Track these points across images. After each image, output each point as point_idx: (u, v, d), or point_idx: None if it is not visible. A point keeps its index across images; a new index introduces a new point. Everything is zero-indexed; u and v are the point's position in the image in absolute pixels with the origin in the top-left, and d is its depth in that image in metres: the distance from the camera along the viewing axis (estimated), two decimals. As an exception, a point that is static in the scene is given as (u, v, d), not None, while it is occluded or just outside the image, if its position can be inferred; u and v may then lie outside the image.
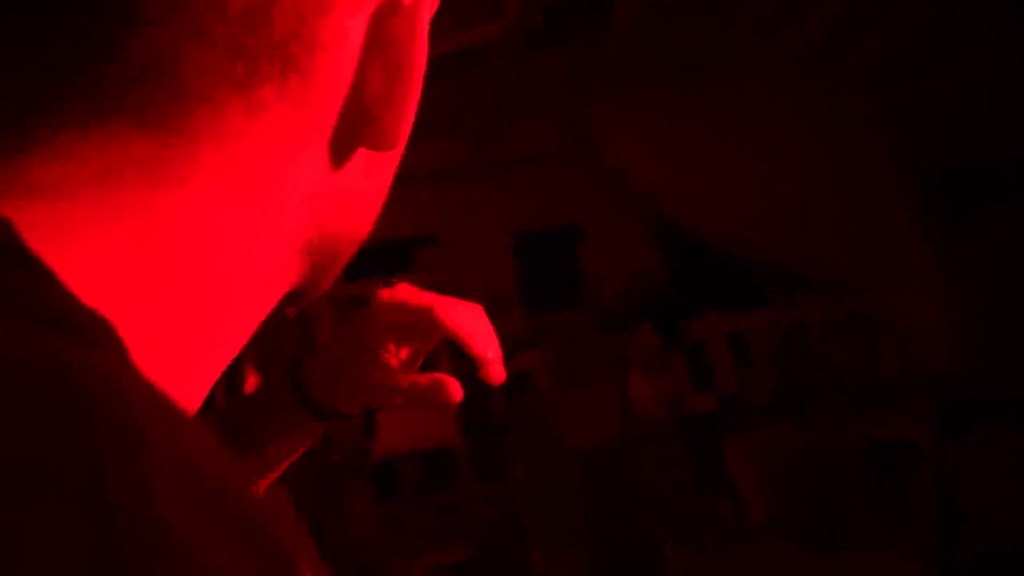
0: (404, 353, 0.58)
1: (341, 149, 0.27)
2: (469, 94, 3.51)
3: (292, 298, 0.33)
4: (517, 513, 3.05)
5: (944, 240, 3.65)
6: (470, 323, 0.58)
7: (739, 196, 3.62)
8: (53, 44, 0.23)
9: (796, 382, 3.48)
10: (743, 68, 3.73)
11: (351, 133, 0.27)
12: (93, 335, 0.19)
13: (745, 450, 3.03)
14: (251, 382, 2.28)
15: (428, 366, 0.63)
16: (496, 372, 0.59)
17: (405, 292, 0.57)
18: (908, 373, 3.58)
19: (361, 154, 0.28)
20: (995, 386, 2.46)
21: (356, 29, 0.26)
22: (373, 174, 0.30)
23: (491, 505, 3.21)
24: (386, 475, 3.40)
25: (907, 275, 3.64)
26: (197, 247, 0.25)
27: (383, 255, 1.78)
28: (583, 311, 3.75)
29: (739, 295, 4.08)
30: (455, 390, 0.58)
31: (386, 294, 0.56)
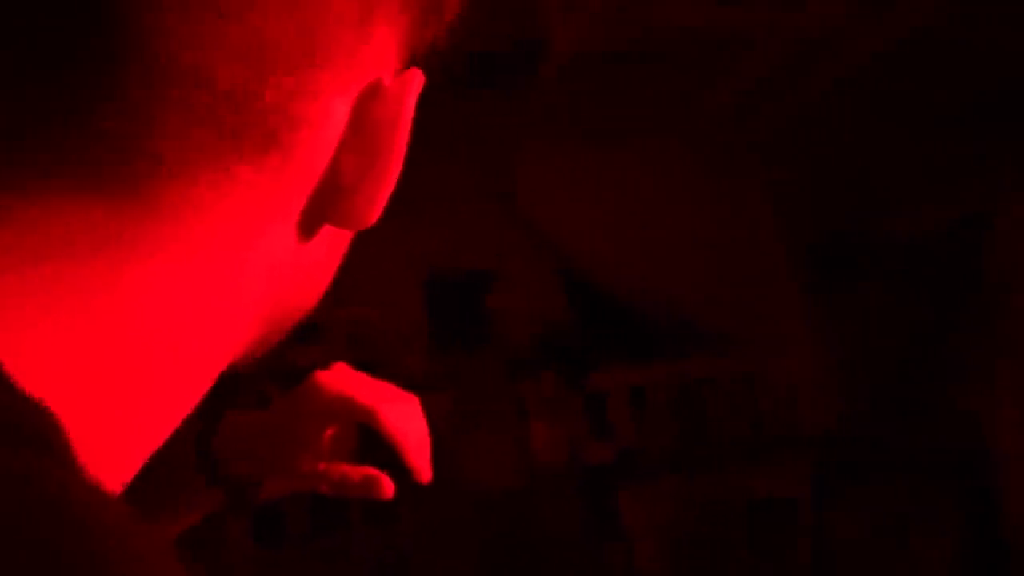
0: (329, 439, 0.58)
1: (309, 224, 0.27)
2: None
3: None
4: (407, 558, 2.94)
5: (821, 306, 3.96)
6: (407, 427, 0.61)
7: (641, 252, 3.78)
8: (21, 100, 0.21)
9: (689, 436, 3.60)
10: (655, 128, 3.94)
11: (321, 209, 0.27)
12: (39, 437, 0.18)
13: (638, 501, 3.08)
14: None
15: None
16: (425, 474, 0.63)
17: (344, 380, 0.58)
18: (790, 431, 3.80)
19: (326, 230, 0.28)
20: (867, 448, 2.64)
21: (341, 110, 0.26)
22: (333, 249, 0.30)
23: (380, 551, 3.08)
24: (269, 519, 3.19)
25: (790, 337, 3.90)
26: (157, 325, 0.24)
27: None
28: (489, 355, 3.74)
29: (640, 349, 4.21)
30: (387, 488, 0.60)
31: (325, 379, 0.57)
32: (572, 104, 3.43)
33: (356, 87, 0.26)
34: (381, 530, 3.12)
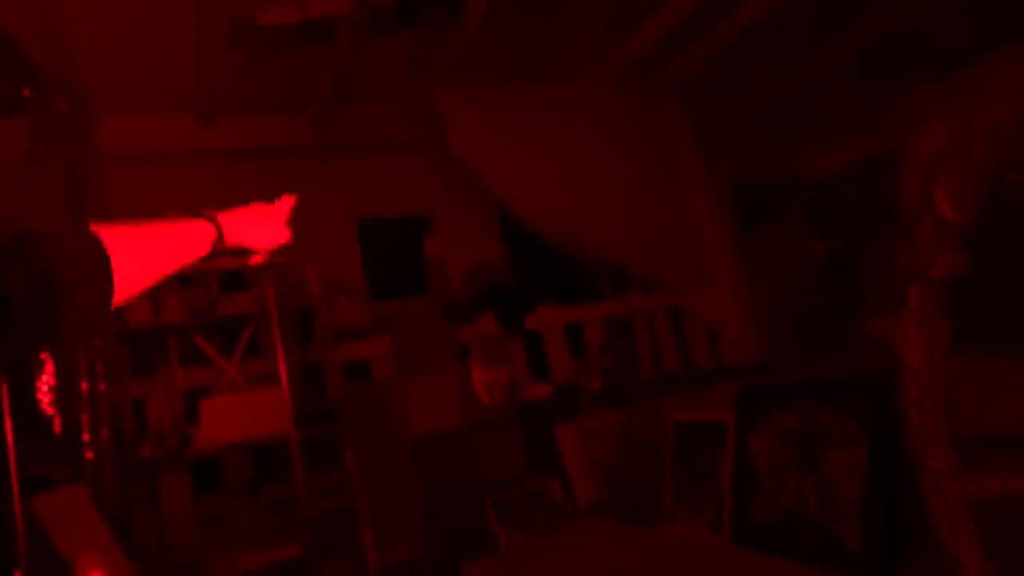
0: None
1: None
2: (314, 70, 3.35)
3: None
4: (352, 505, 2.98)
5: (743, 243, 4.13)
6: None
7: (570, 194, 3.82)
8: None
9: (622, 371, 3.73)
10: (581, 71, 3.93)
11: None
12: None
13: (575, 436, 3.19)
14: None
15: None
16: None
17: None
18: (718, 360, 4.00)
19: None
20: (783, 373, 2.80)
21: None
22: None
23: (325, 499, 3.10)
24: (209, 470, 3.16)
25: (715, 274, 4.06)
26: None
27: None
28: (426, 299, 3.74)
29: (574, 288, 4.31)
30: None
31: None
32: (498, 43, 3.37)
33: None
34: (327, 478, 3.14)
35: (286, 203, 0.84)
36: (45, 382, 2.03)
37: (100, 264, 0.57)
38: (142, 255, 0.63)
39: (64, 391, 2.08)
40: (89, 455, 2.13)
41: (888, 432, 1.83)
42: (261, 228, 0.80)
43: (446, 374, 3.07)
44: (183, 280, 2.91)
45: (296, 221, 0.85)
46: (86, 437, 2.13)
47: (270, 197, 3.48)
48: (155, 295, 2.87)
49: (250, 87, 3.50)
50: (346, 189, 4.02)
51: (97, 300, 0.57)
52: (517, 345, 3.55)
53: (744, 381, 2.53)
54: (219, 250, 0.74)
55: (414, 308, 3.72)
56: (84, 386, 2.15)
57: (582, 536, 2.80)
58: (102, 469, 2.14)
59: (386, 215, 4.23)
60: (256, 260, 0.81)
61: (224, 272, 3.09)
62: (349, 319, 3.48)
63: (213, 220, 0.74)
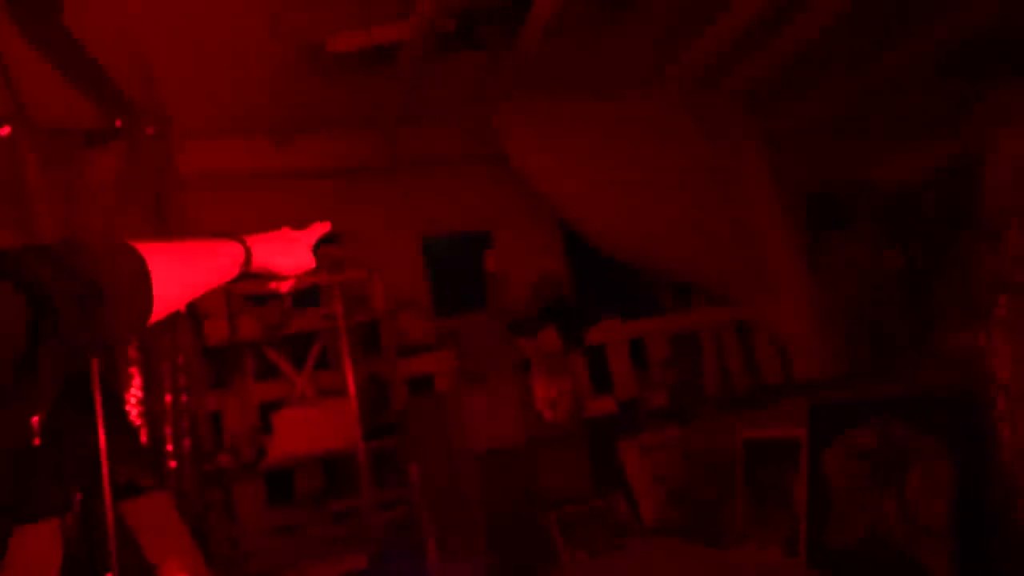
0: None
1: None
2: (379, 91, 3.46)
3: None
4: (416, 518, 3.01)
5: (815, 253, 3.98)
6: None
7: (632, 206, 3.78)
8: None
9: (687, 386, 3.66)
10: (642, 82, 3.91)
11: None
12: None
13: (639, 452, 3.14)
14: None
15: None
16: None
17: None
18: (787, 375, 3.86)
19: None
20: (857, 388, 2.69)
21: None
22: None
23: (389, 510, 3.15)
24: (280, 480, 3.27)
25: (784, 285, 3.93)
26: None
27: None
28: (488, 313, 3.77)
29: (636, 301, 4.26)
30: None
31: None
32: (557, 59, 3.39)
33: None
34: (391, 491, 3.19)
35: (316, 229, 0.84)
36: (133, 395, 2.16)
37: (140, 282, 0.59)
38: (182, 272, 0.64)
39: (150, 404, 2.20)
40: (172, 464, 2.24)
41: (974, 450, 1.72)
42: (288, 253, 0.80)
43: (508, 388, 3.08)
44: (258, 298, 3.04)
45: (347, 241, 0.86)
46: (169, 447, 2.24)
47: (338, 215, 3.57)
48: (232, 313, 3.00)
49: (320, 110, 3.64)
50: (411, 206, 4.11)
51: (137, 314, 0.59)
52: (579, 359, 3.53)
53: (815, 397, 2.44)
54: (245, 273, 0.74)
55: (476, 322, 3.76)
56: (168, 399, 2.27)
57: (648, 554, 2.74)
58: (183, 478, 2.25)
59: (449, 230, 4.30)
60: (278, 286, 0.81)
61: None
62: (413, 334, 3.54)
63: (243, 243, 0.75)
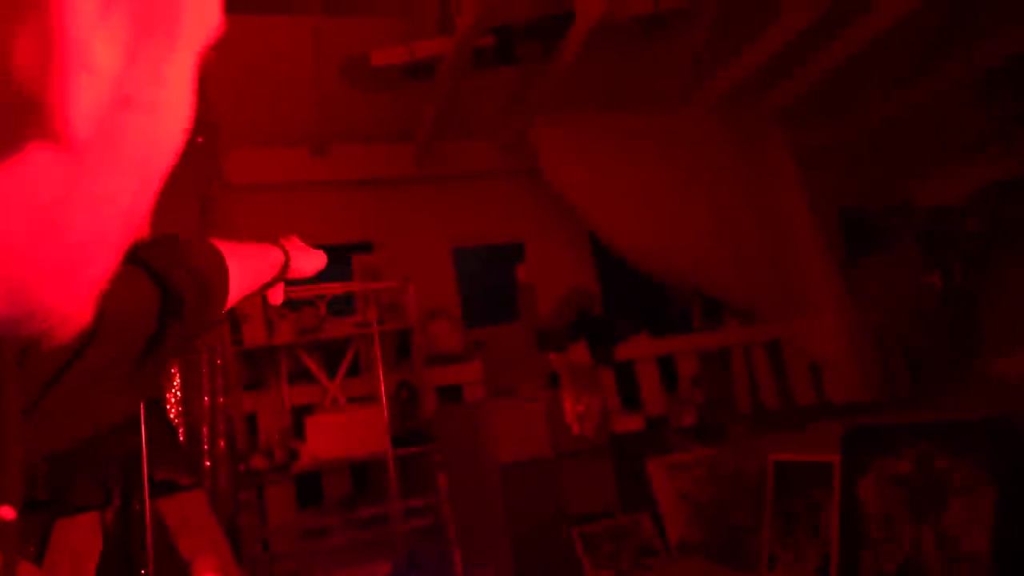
0: None
1: None
2: (415, 105, 3.52)
3: None
4: (442, 526, 3.02)
5: (850, 272, 3.91)
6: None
7: (664, 222, 3.78)
8: None
9: (717, 405, 3.62)
10: (677, 99, 3.91)
11: (4, 120, 0.20)
12: None
13: (667, 471, 3.11)
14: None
15: None
16: None
17: None
18: (820, 397, 3.79)
19: (43, 150, 0.21)
20: (893, 413, 2.63)
21: None
22: (79, 177, 0.23)
23: (417, 518, 3.16)
24: (310, 484, 3.31)
25: (818, 304, 3.87)
26: None
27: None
28: (518, 326, 3.79)
29: (665, 317, 4.23)
30: None
31: None
32: (594, 75, 3.41)
33: None
34: (419, 498, 3.21)
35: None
36: (173, 395, 2.22)
37: (224, 275, 0.62)
38: (241, 271, 0.66)
39: (188, 404, 2.25)
40: (207, 463, 2.29)
41: (1018, 479, 1.67)
42: (309, 256, 0.83)
43: (536, 401, 3.08)
44: (294, 303, 3.10)
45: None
46: (205, 447, 2.29)
47: (372, 224, 3.62)
48: (269, 317, 3.06)
49: (359, 121, 3.72)
50: (443, 217, 4.16)
51: (220, 308, 0.62)
52: (608, 375, 3.52)
53: (848, 420, 2.39)
54: (282, 278, 0.75)
55: (505, 334, 3.77)
56: (206, 400, 2.32)
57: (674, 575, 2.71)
58: (218, 477, 2.29)
59: (481, 242, 4.34)
60: (277, 299, 0.81)
61: (332, 296, 3.27)
62: (443, 343, 3.57)
63: (283, 247, 0.76)
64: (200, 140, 2.41)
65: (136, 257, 0.51)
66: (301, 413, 3.22)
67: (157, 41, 0.23)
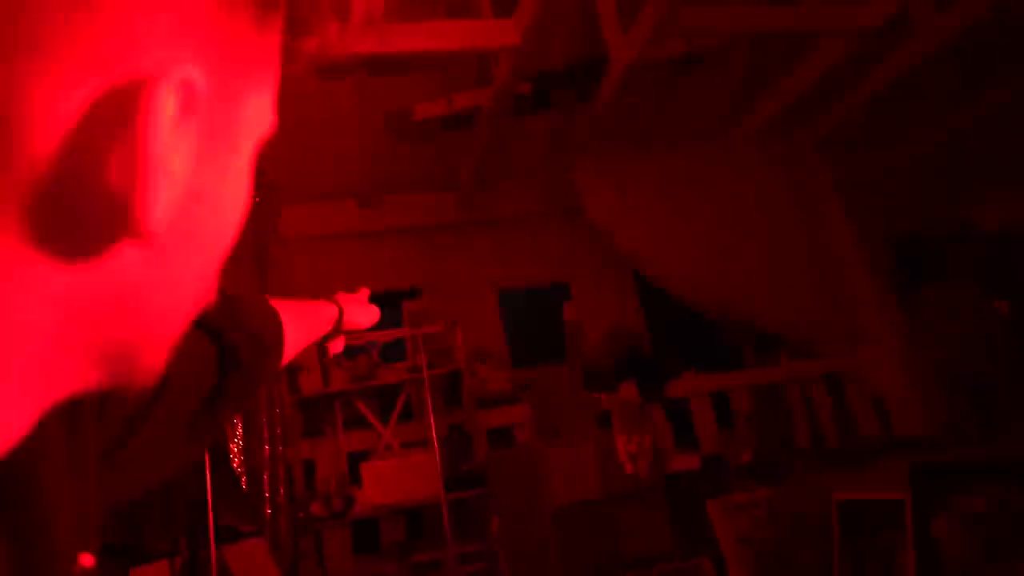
0: None
1: (89, 242, 0.24)
2: (456, 153, 3.63)
3: (98, 396, 0.35)
4: (497, 570, 3.00)
5: (909, 303, 3.78)
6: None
7: (710, 256, 3.74)
8: None
9: (774, 442, 3.51)
10: (716, 136, 3.92)
11: (98, 223, 0.23)
12: None
13: (725, 512, 3.02)
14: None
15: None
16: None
17: None
18: (883, 432, 3.64)
19: (129, 245, 0.24)
20: (960, 448, 2.51)
21: (79, 104, 0.22)
22: (158, 263, 0.26)
23: (471, 564, 3.15)
24: (366, 530, 3.34)
25: (879, 337, 3.75)
26: None
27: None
28: (566, 367, 3.78)
29: (716, 353, 4.15)
30: None
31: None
32: (633, 113, 3.46)
33: (98, 78, 0.22)
34: (472, 543, 3.19)
35: (364, 293, 0.89)
36: (235, 444, 2.29)
37: (279, 331, 0.66)
38: (296, 327, 0.70)
39: (249, 452, 2.32)
40: (268, 511, 2.35)
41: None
42: (362, 310, 0.85)
43: (586, 441, 3.06)
44: (348, 351, 3.18)
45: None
46: (267, 494, 2.35)
47: (418, 270, 3.69)
48: (324, 365, 3.15)
49: (402, 172, 3.85)
50: (487, 259, 4.23)
51: (277, 365, 0.66)
52: (659, 413, 3.47)
53: (914, 457, 2.29)
54: (336, 331, 0.79)
55: (553, 374, 3.77)
56: (266, 448, 2.39)
57: (738, 621, 2.61)
58: (278, 524, 2.35)
59: (525, 283, 4.38)
60: (337, 348, 0.85)
61: (383, 342, 3.34)
62: (492, 385, 3.59)
63: (336, 302, 0.79)
64: (258, 200, 2.54)
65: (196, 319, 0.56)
66: (357, 459, 3.27)
67: (222, 144, 0.27)
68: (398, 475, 3.11)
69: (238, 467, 2.28)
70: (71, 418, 0.36)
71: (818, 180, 4.09)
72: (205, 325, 0.56)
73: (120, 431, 0.44)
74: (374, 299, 0.86)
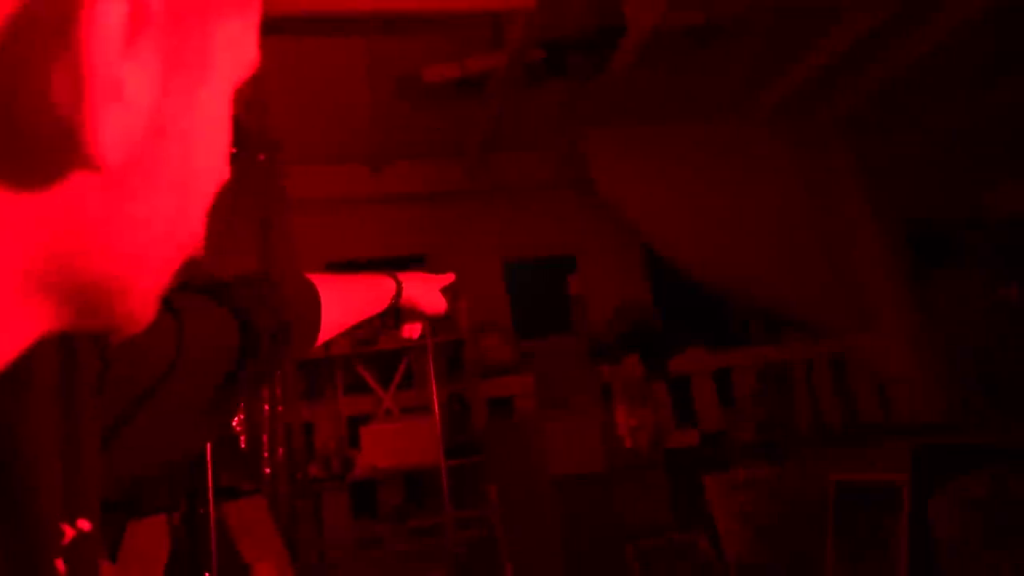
0: None
1: (40, 168, 0.22)
2: (466, 120, 3.57)
3: (70, 339, 0.34)
4: (494, 538, 3.02)
5: (918, 286, 3.75)
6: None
7: (720, 233, 3.70)
8: None
9: (777, 422, 3.51)
10: (731, 111, 3.84)
11: (47, 148, 0.22)
12: None
13: (724, 489, 3.03)
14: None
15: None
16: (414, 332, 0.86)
17: None
18: (886, 416, 3.63)
19: (86, 175, 0.23)
20: (966, 434, 2.50)
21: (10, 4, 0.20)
22: (123, 199, 0.24)
23: (468, 530, 3.18)
24: (365, 493, 3.37)
25: (884, 319, 3.72)
26: None
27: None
28: (570, 338, 3.77)
29: (722, 330, 4.13)
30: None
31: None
32: (646, 86, 3.39)
33: None
34: (470, 509, 3.22)
35: (445, 277, 0.88)
36: (236, 402, 2.29)
37: (315, 310, 0.65)
38: (341, 303, 0.70)
39: (249, 413, 2.33)
40: (266, 471, 2.36)
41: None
42: (430, 293, 0.83)
43: (588, 414, 3.06)
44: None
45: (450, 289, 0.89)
46: (265, 455, 2.36)
47: (424, 237, 3.66)
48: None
49: (412, 137, 3.79)
50: (494, 229, 4.19)
51: (308, 342, 0.65)
52: (662, 388, 3.46)
53: (916, 440, 2.28)
54: (395, 307, 0.78)
55: (557, 346, 3.76)
56: (265, 409, 2.40)
57: (731, 596, 2.63)
58: (277, 484, 2.36)
59: (532, 254, 4.35)
60: (411, 333, 0.84)
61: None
62: (494, 355, 3.59)
63: (395, 278, 0.78)
64: (261, 158, 2.51)
65: (221, 296, 0.55)
66: (356, 423, 3.28)
67: (189, 74, 0.25)
68: (397, 439, 3.12)
69: (236, 426, 2.29)
70: (65, 389, 0.36)
71: (834, 160, 4.02)
72: (235, 307, 0.55)
73: (125, 407, 0.44)
74: (377, 265, 0.85)
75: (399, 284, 0.77)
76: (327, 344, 3.14)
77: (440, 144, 3.94)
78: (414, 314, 0.82)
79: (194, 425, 0.53)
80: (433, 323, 0.85)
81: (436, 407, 3.14)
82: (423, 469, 3.18)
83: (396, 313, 0.80)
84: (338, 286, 0.70)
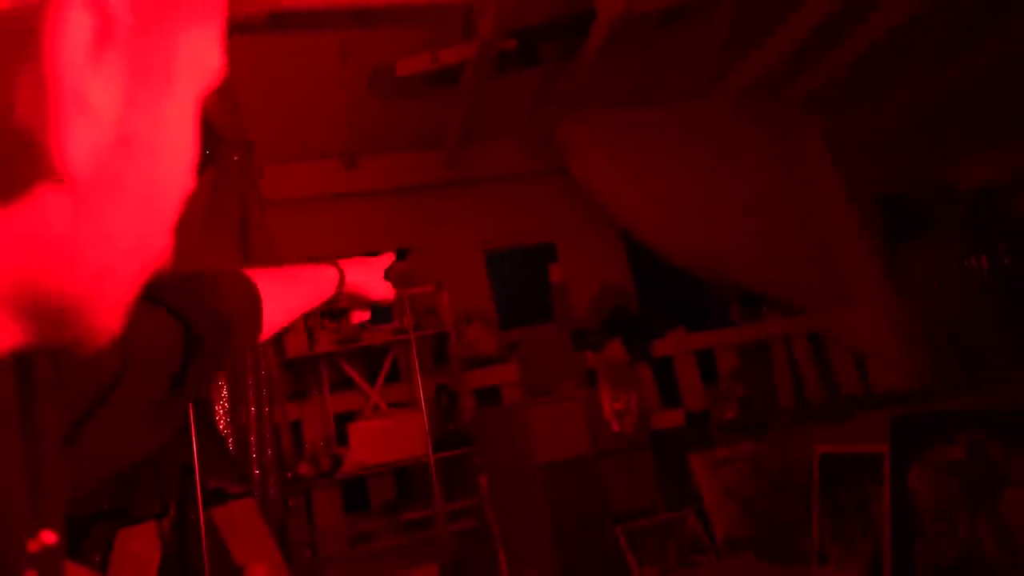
0: None
1: (4, 183, 0.22)
2: (441, 111, 3.56)
3: (28, 360, 0.34)
4: (487, 528, 3.05)
5: (891, 260, 3.81)
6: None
7: (695, 215, 3.73)
8: None
9: (759, 399, 3.56)
10: (702, 90, 3.86)
11: (11, 161, 0.21)
12: None
13: (710, 467, 3.08)
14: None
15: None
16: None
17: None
18: (865, 388, 3.71)
19: (51, 190, 0.22)
20: (943, 401, 2.56)
21: None
22: (88, 213, 0.24)
23: (460, 520, 3.20)
24: (356, 489, 3.37)
25: (860, 293, 3.78)
26: None
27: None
28: (553, 325, 3.79)
29: (702, 312, 4.18)
30: None
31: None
32: (617, 70, 3.40)
33: None
34: (462, 501, 3.24)
35: (386, 258, 0.87)
36: (222, 407, 2.29)
37: (254, 305, 0.64)
38: (283, 297, 0.69)
39: (236, 415, 2.32)
40: (256, 472, 2.35)
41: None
42: (374, 280, 0.82)
43: (573, 400, 3.08)
44: (331, 314, 3.17)
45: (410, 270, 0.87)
46: (254, 456, 2.36)
47: (404, 231, 3.66)
48: (310, 327, 3.13)
49: (387, 131, 3.77)
50: (475, 221, 4.19)
51: (250, 338, 0.65)
52: (646, 371, 3.50)
53: (896, 410, 2.33)
54: (339, 296, 0.77)
55: (541, 334, 3.78)
56: (252, 410, 2.39)
57: (722, 573, 2.68)
58: (266, 485, 2.36)
59: (512, 243, 4.36)
60: (360, 318, 0.84)
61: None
62: (479, 346, 3.60)
63: (337, 266, 0.77)
64: (236, 158, 2.49)
65: (158, 297, 0.54)
66: (344, 420, 3.28)
67: (154, 86, 0.25)
68: (386, 435, 3.13)
69: (224, 428, 2.28)
70: (25, 402, 0.35)
71: (805, 138, 4.07)
72: (166, 303, 0.54)
73: (81, 412, 0.43)
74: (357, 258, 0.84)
75: (341, 272, 0.76)
76: (311, 342, 3.13)
77: (416, 137, 3.92)
78: (360, 300, 0.81)
79: (145, 428, 0.53)
80: (379, 307, 0.84)
81: (422, 401, 3.15)
82: (413, 463, 3.19)
83: (332, 311, 0.79)
84: (279, 280, 0.70)
